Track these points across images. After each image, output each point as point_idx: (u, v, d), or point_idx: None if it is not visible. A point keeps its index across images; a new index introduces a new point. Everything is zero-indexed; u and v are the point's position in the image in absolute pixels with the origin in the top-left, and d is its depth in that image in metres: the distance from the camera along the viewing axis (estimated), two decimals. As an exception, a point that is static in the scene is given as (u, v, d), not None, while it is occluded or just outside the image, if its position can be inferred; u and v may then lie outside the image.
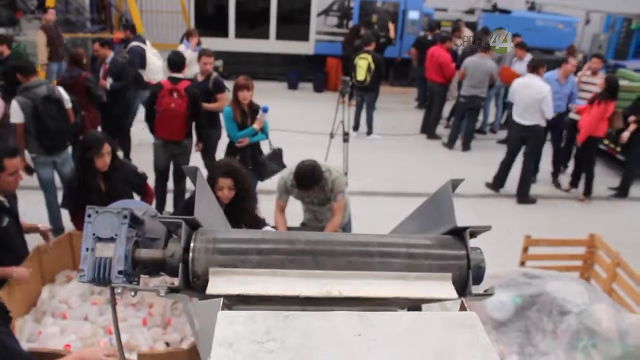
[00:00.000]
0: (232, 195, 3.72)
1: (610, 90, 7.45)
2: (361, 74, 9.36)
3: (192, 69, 8.28)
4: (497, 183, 7.99)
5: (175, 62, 5.98)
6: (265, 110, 5.65)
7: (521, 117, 7.50)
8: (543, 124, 7.42)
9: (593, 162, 7.95)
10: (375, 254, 1.12)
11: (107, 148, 4.02)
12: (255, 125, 5.62)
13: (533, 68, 7.42)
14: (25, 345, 2.90)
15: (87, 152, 4.03)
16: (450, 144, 9.86)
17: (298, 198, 4.60)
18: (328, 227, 4.42)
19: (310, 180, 4.19)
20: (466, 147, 9.80)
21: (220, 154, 6.04)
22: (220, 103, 6.39)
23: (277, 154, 5.94)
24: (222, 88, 6.44)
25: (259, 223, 3.94)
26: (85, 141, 4.12)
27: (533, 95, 7.25)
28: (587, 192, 7.97)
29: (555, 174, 8.51)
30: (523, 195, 7.75)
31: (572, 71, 8.18)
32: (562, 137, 8.52)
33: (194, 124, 6.04)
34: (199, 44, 8.76)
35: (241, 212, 3.72)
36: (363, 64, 9.37)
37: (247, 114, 5.65)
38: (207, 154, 6.76)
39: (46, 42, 9.43)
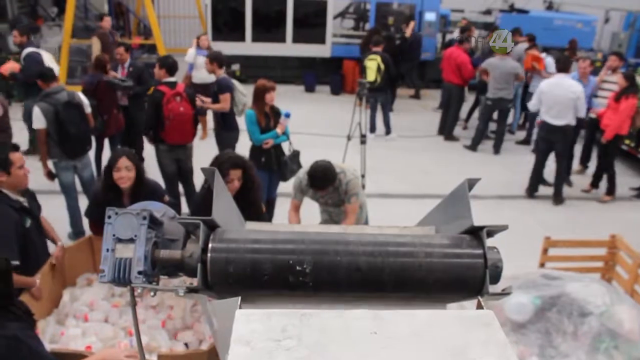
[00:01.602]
0: (239, 186, 3.82)
1: (633, 84, 7.36)
2: (371, 75, 9.38)
3: (199, 74, 8.38)
4: (531, 189, 7.89)
5: (171, 66, 6.02)
6: (287, 115, 5.70)
7: (554, 117, 7.34)
8: (574, 123, 7.34)
9: (614, 161, 7.86)
10: (392, 254, 1.13)
11: (124, 162, 3.88)
12: (278, 130, 5.64)
13: (563, 67, 7.32)
14: (48, 346, 2.95)
15: (108, 164, 3.98)
16: (473, 147, 9.72)
17: (313, 198, 4.61)
18: None
19: (322, 180, 4.20)
20: (497, 150, 9.66)
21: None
22: (222, 104, 6.41)
23: (296, 155, 5.97)
24: (225, 89, 6.43)
25: (262, 214, 4.06)
26: (111, 155, 4.07)
27: (567, 95, 7.14)
28: (611, 191, 7.85)
29: (568, 173, 8.42)
30: (558, 196, 7.66)
31: (589, 71, 8.05)
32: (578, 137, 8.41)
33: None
34: (208, 48, 8.76)
35: (248, 203, 3.76)
36: (372, 65, 9.39)
37: (270, 116, 5.68)
38: None
39: (100, 48, 9.57)
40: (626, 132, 7.68)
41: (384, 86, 9.75)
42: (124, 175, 3.87)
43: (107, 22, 10.37)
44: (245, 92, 6.68)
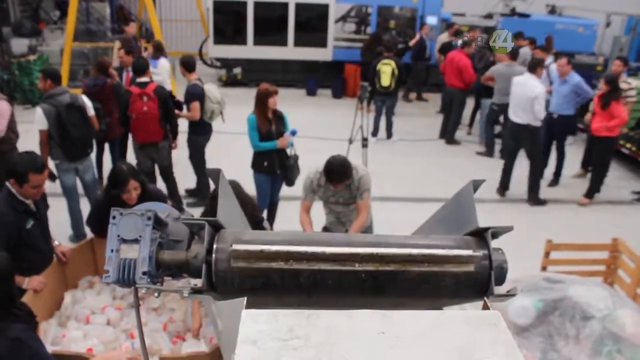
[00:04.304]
0: None
1: (617, 88, 7.40)
2: (386, 80, 9.42)
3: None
4: (502, 187, 7.97)
5: (139, 66, 6.17)
6: (293, 133, 5.65)
7: (515, 114, 7.58)
8: (535, 124, 7.43)
9: (608, 163, 7.89)
10: (398, 258, 1.12)
11: (133, 184, 3.84)
12: (278, 144, 5.57)
13: (531, 67, 7.49)
14: (49, 348, 2.95)
15: (113, 189, 3.91)
16: (490, 153, 9.70)
17: (323, 198, 4.60)
18: (354, 226, 4.42)
19: (340, 174, 4.20)
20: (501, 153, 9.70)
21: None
22: (192, 112, 6.44)
23: (296, 160, 5.95)
24: (193, 97, 6.42)
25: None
26: (112, 177, 3.97)
27: (526, 94, 7.32)
28: (591, 194, 7.87)
29: (556, 177, 8.44)
30: (534, 198, 7.70)
31: (567, 70, 8.02)
32: (565, 140, 8.43)
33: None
34: (155, 57, 8.52)
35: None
36: (387, 70, 9.41)
37: (272, 120, 5.62)
38: (194, 161, 6.84)
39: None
40: (617, 132, 7.74)
41: (396, 90, 9.86)
42: (134, 196, 3.88)
43: (133, 27, 10.52)
44: (219, 98, 6.62)
